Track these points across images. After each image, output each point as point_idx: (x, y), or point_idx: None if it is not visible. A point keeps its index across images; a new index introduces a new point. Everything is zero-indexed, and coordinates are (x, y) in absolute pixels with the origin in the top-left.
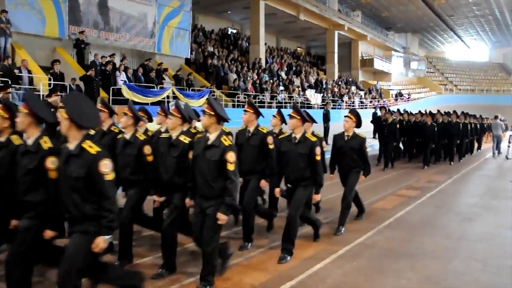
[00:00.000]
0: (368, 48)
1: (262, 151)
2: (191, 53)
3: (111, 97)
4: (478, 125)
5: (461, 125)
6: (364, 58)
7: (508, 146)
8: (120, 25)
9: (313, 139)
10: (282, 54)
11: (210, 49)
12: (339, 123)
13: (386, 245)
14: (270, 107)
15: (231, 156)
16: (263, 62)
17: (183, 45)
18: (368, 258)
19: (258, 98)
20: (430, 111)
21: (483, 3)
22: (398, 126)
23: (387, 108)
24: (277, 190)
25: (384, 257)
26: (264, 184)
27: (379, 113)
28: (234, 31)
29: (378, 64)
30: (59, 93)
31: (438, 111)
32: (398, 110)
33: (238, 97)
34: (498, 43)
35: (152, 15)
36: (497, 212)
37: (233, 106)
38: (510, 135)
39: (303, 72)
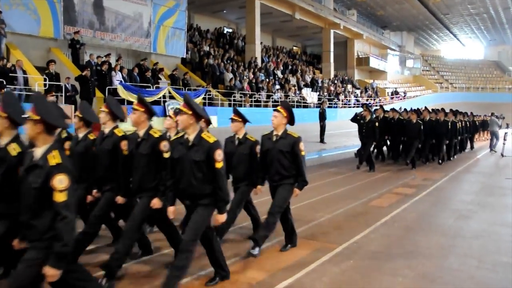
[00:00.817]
0: (364, 46)
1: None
2: (187, 53)
3: (106, 97)
4: (468, 123)
5: (449, 123)
6: (360, 56)
7: (503, 144)
8: (115, 25)
9: (253, 139)
10: (278, 53)
11: (206, 48)
12: (335, 122)
13: (382, 242)
14: (266, 106)
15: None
16: (259, 61)
17: (179, 45)
18: (365, 256)
19: (254, 97)
20: (416, 109)
21: (478, 1)
22: (377, 124)
23: (369, 106)
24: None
25: (380, 255)
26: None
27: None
28: (230, 30)
29: (374, 63)
30: (54, 94)
31: (426, 108)
32: (381, 106)
33: (234, 96)
34: (493, 41)
35: (148, 15)
36: (492, 209)
37: (229, 105)
38: (505, 133)
39: (299, 71)
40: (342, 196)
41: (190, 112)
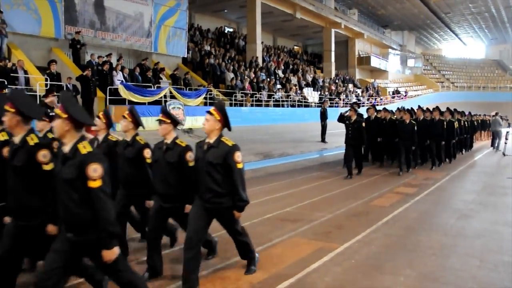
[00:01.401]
0: (365, 46)
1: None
2: (187, 52)
3: (108, 97)
4: (466, 123)
5: (445, 123)
6: (361, 56)
7: (505, 143)
8: (116, 25)
9: (183, 144)
10: (279, 52)
11: (207, 48)
12: (337, 121)
13: (384, 242)
14: (267, 105)
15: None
16: (260, 60)
17: (180, 45)
18: (366, 255)
19: (255, 97)
20: (410, 108)
21: (479, 0)
22: (364, 124)
23: (354, 105)
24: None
25: (382, 254)
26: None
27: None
28: (231, 30)
29: (375, 62)
30: (55, 94)
31: (419, 107)
32: (373, 106)
33: (235, 96)
34: (494, 40)
35: (149, 15)
36: (494, 208)
37: (230, 105)
38: (507, 132)
39: (300, 71)
40: (343, 196)
41: (65, 116)
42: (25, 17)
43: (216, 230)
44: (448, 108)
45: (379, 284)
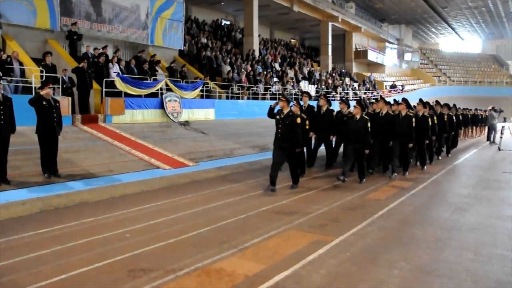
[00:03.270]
0: (362, 39)
1: None
2: (184, 45)
3: (104, 89)
4: (454, 117)
5: (413, 119)
6: (358, 49)
7: (501, 137)
8: (112, 17)
9: None
10: (276, 45)
11: (204, 40)
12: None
13: (379, 235)
14: (264, 98)
15: None
16: (256, 53)
17: (176, 37)
18: (362, 248)
19: (252, 90)
20: (393, 100)
21: None
22: (299, 120)
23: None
24: None
25: (377, 247)
26: None
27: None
28: (228, 22)
29: (372, 56)
30: (51, 85)
31: (395, 100)
32: (342, 98)
33: (232, 89)
34: (491, 34)
35: (145, 7)
36: (488, 202)
37: (227, 97)
38: (503, 127)
39: (297, 64)
40: (339, 189)
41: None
42: (20, 8)
43: (216, 221)
44: (420, 100)
45: (374, 277)
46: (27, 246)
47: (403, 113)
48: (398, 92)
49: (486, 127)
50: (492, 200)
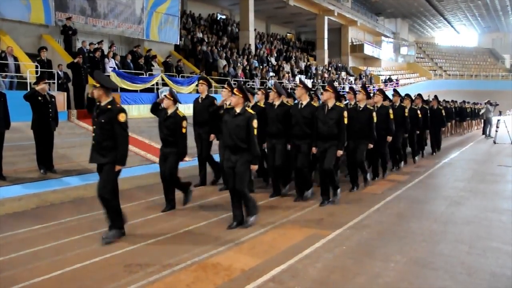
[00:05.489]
0: (358, 33)
1: None
2: (180, 40)
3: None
4: (419, 111)
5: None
6: (354, 43)
7: (496, 131)
8: (107, 11)
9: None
10: (272, 40)
11: (199, 35)
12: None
13: (375, 228)
14: None
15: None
16: (252, 48)
17: (172, 32)
18: (358, 241)
19: (248, 84)
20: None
21: None
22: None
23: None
24: None
25: (373, 241)
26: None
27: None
28: (224, 17)
29: (368, 50)
30: (46, 81)
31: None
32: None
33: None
34: (487, 28)
35: (140, 1)
36: (483, 196)
37: None
38: (498, 120)
39: (293, 58)
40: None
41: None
42: (14, 2)
43: (212, 216)
44: (380, 89)
45: (370, 270)
46: (23, 242)
47: (397, 104)
48: (394, 87)
49: (480, 121)
50: (487, 194)
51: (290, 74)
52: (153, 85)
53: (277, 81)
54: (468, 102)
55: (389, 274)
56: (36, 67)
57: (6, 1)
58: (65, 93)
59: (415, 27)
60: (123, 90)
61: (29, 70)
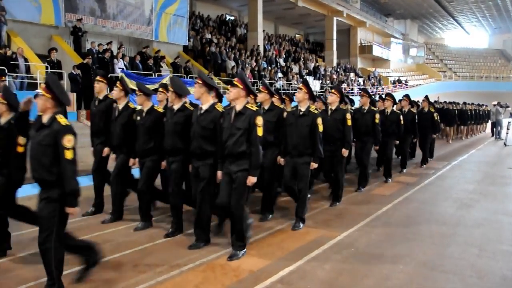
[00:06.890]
0: (367, 34)
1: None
2: (188, 40)
3: (109, 85)
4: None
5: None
6: (363, 45)
7: (506, 133)
8: (117, 13)
9: None
10: (281, 41)
11: (208, 36)
12: None
13: (384, 230)
14: None
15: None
16: (261, 49)
17: (181, 33)
18: (366, 243)
19: (257, 85)
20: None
21: None
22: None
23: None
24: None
25: (381, 243)
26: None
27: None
28: (232, 18)
29: (377, 51)
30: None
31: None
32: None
33: None
34: (498, 29)
35: (149, 2)
36: (494, 198)
37: None
38: (509, 122)
39: (302, 59)
40: (344, 184)
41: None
42: (24, 4)
43: (216, 218)
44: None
45: (378, 272)
46: (31, 242)
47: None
48: (403, 88)
49: (486, 124)
50: (497, 196)
51: (298, 76)
52: None
53: (265, 80)
54: (472, 104)
55: (398, 276)
56: (46, 67)
57: (17, 3)
58: (75, 94)
59: (425, 28)
60: (132, 90)
61: (39, 71)
